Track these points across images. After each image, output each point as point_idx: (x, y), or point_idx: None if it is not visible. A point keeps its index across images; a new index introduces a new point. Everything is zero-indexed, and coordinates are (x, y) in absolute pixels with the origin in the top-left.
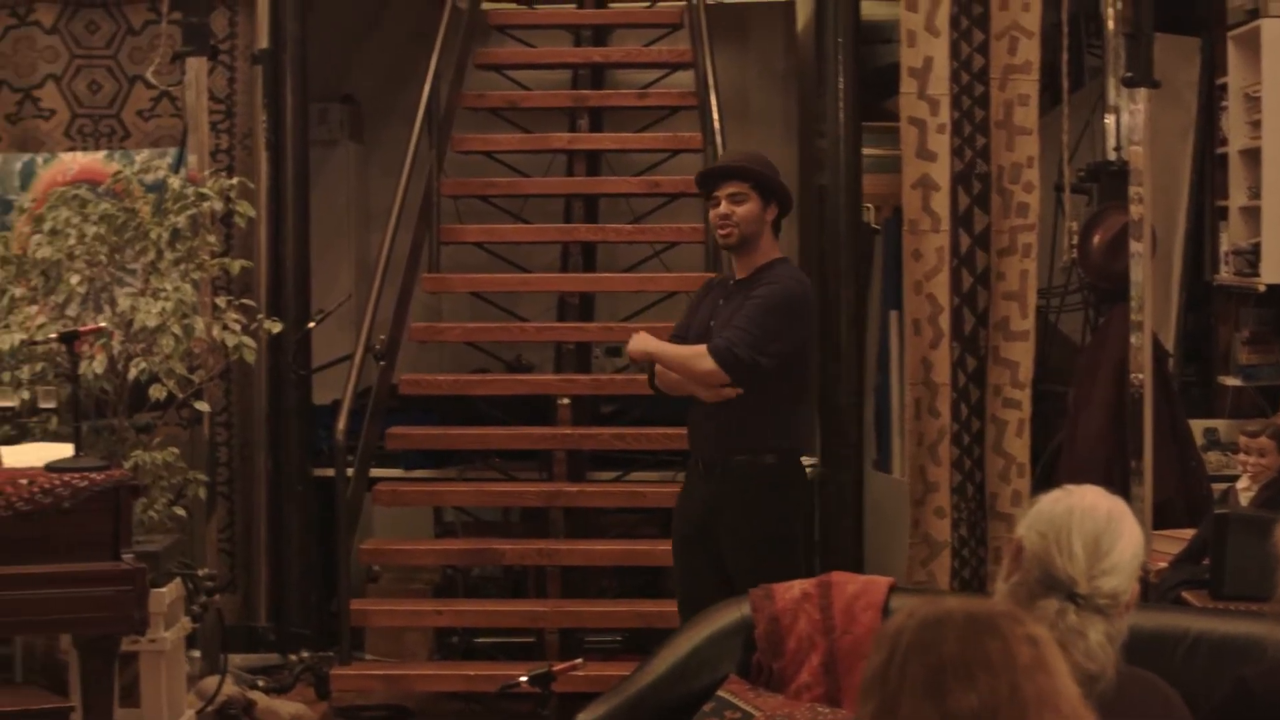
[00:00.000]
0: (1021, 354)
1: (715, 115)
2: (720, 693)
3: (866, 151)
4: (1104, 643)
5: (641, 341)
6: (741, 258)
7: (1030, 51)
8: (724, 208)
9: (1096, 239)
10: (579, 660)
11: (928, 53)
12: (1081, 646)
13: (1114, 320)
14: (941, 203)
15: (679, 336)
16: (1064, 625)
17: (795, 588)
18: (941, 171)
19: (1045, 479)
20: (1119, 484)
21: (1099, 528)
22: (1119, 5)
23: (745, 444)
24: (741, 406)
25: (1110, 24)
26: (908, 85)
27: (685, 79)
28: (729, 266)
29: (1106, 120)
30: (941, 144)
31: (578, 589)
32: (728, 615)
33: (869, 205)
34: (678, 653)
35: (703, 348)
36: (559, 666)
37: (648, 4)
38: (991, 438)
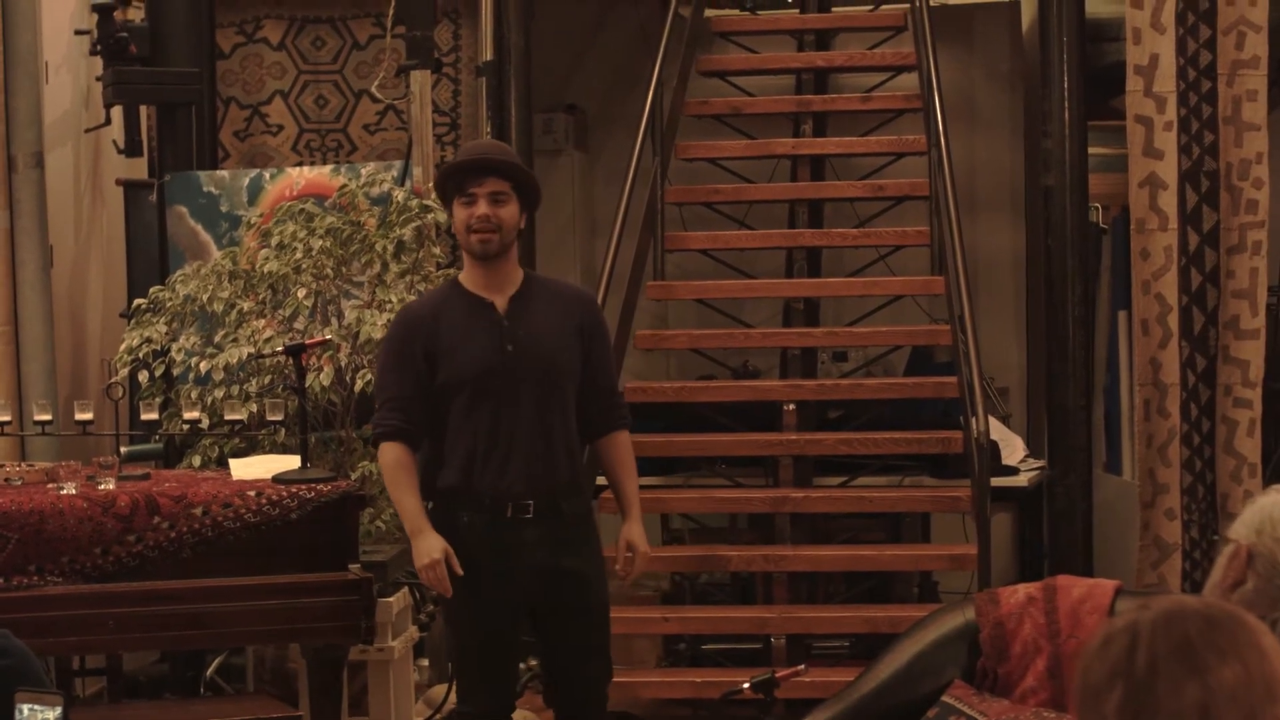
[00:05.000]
0: (1252, 353)
1: (940, 117)
2: (945, 698)
3: (1093, 150)
4: None
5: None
6: (496, 269)
7: (1258, 46)
8: (484, 208)
9: None
10: (801, 666)
11: (1154, 49)
12: None
13: None
14: (1169, 201)
15: (400, 395)
16: None
17: (1020, 591)
18: (1169, 169)
19: (1277, 479)
20: None
21: None
22: None
23: (575, 478)
24: (564, 435)
25: None
26: (1134, 83)
27: (909, 82)
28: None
29: None
30: (1169, 141)
31: (805, 594)
32: (952, 620)
33: (1096, 205)
34: (901, 658)
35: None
36: (782, 672)
37: (871, 8)
38: (1222, 438)
